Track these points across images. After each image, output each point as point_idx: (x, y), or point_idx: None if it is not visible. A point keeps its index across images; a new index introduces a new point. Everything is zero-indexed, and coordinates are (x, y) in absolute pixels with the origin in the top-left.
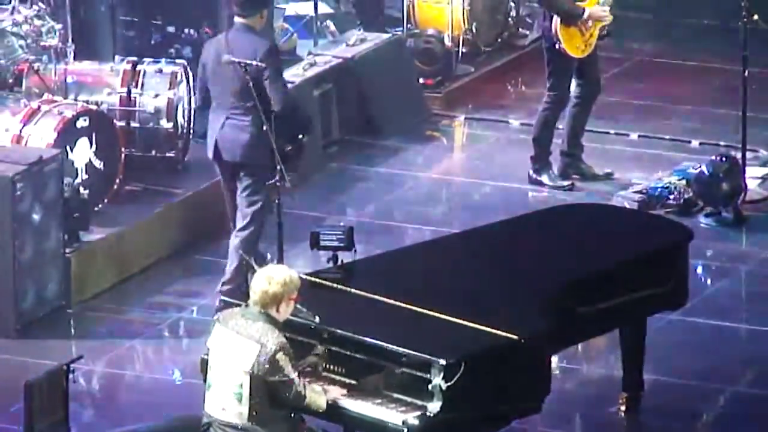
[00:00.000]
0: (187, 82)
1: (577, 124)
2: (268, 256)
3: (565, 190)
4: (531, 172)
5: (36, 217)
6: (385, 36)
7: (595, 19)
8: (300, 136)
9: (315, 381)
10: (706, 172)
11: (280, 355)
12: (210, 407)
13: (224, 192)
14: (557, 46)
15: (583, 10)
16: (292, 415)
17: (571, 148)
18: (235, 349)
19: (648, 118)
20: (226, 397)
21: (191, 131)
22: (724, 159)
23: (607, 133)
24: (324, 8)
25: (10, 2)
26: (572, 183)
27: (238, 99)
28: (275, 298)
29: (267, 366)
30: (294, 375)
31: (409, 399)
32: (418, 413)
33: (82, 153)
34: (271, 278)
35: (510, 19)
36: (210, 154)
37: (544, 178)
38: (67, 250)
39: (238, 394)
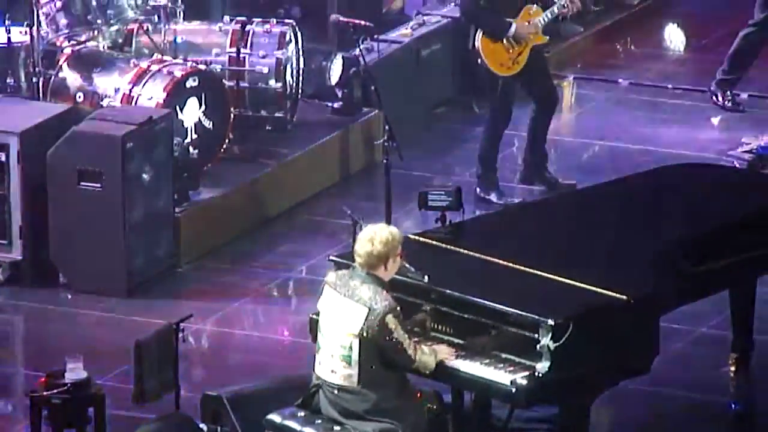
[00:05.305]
0: (296, 42)
1: (537, 133)
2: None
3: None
4: (478, 190)
5: (146, 177)
6: None
7: (522, 39)
8: None
9: (423, 341)
10: None
11: (389, 318)
12: (320, 370)
13: None
14: (479, 61)
15: (510, 25)
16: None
17: (532, 155)
18: (344, 312)
19: (758, 78)
20: (336, 360)
21: (300, 91)
22: None
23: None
24: None
25: None
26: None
27: None
28: (381, 258)
29: (376, 329)
30: (404, 337)
31: (517, 359)
32: (527, 373)
33: (192, 113)
34: (373, 238)
35: None
36: None
37: (492, 197)
38: (177, 210)
39: (347, 356)
